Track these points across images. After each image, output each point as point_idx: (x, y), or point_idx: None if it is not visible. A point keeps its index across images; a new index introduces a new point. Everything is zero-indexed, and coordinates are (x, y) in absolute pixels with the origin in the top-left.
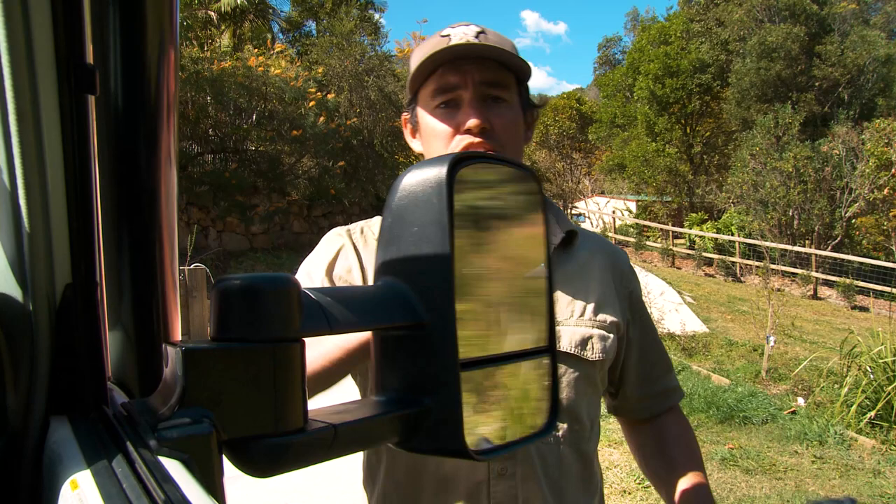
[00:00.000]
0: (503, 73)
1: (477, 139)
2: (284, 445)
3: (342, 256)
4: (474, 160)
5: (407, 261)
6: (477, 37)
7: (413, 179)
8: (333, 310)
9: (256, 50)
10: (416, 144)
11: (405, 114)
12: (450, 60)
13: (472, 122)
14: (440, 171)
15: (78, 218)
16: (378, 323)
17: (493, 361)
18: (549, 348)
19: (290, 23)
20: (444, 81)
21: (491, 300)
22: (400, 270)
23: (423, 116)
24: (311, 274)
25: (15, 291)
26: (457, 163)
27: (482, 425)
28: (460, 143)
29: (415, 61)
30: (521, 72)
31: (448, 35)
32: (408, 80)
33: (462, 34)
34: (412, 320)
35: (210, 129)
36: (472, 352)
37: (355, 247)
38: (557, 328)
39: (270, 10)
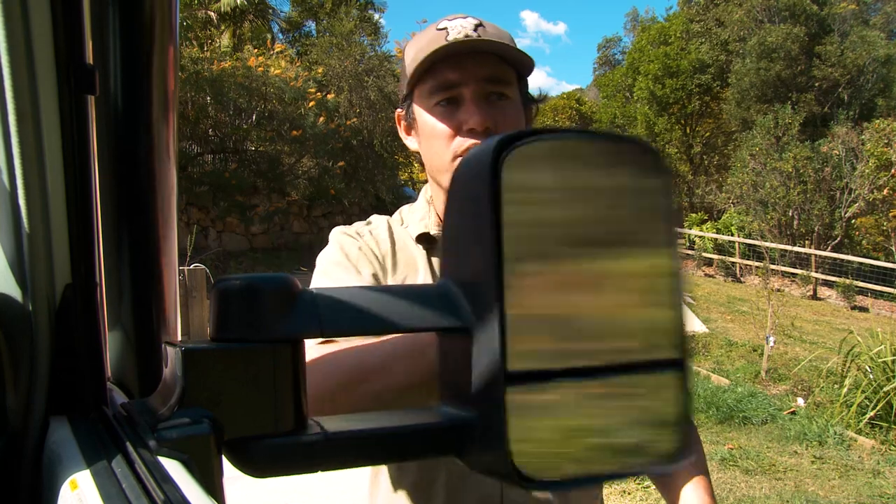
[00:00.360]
0: (503, 68)
1: (480, 140)
2: (285, 446)
3: (362, 257)
4: (531, 138)
5: (457, 261)
6: (475, 30)
7: (462, 170)
8: (347, 310)
9: (256, 50)
10: (410, 142)
11: (399, 110)
12: (448, 57)
13: (476, 123)
14: (483, 158)
15: (78, 218)
16: (400, 327)
17: (566, 375)
18: (677, 361)
19: (289, 23)
20: (442, 79)
21: (583, 301)
22: (453, 271)
23: (421, 115)
24: (331, 275)
25: (15, 291)
26: (506, 144)
27: (554, 450)
28: (462, 144)
29: (410, 57)
30: (521, 65)
31: (445, 28)
32: (403, 74)
33: (460, 27)
34: (450, 324)
35: (210, 130)
36: (539, 363)
37: (371, 249)
38: None
39: (270, 11)
